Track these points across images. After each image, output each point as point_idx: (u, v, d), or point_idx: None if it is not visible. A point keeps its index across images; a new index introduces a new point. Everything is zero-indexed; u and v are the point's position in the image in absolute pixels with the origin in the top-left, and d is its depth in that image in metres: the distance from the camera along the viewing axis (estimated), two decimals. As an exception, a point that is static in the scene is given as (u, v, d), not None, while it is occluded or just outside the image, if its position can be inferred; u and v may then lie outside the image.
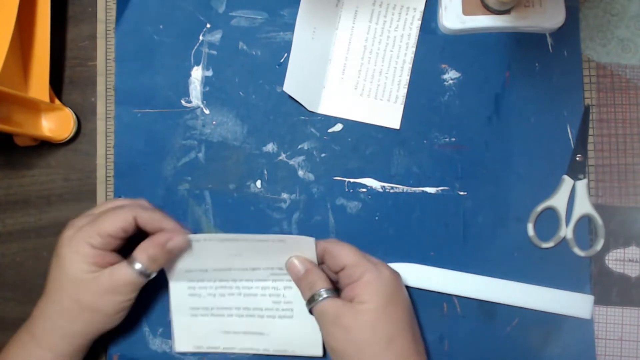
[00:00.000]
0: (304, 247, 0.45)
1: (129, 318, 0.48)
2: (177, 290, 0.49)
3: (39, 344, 0.44)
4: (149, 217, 0.44)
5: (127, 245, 0.45)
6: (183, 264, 0.47)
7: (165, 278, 0.49)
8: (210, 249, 0.46)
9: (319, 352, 0.48)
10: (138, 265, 0.44)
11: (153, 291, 0.50)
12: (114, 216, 0.44)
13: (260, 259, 0.47)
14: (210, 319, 0.49)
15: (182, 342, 0.49)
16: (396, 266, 0.48)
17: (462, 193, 0.50)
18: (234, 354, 0.49)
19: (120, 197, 0.51)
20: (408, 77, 0.50)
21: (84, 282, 0.43)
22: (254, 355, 0.49)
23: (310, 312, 0.44)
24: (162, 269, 0.47)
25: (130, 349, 0.50)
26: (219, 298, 0.48)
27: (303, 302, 0.45)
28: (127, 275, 0.43)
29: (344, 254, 0.44)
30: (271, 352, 0.48)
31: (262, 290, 0.48)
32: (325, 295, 0.43)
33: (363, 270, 0.43)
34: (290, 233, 0.50)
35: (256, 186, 0.51)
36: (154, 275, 0.45)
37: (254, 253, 0.46)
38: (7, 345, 0.45)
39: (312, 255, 0.45)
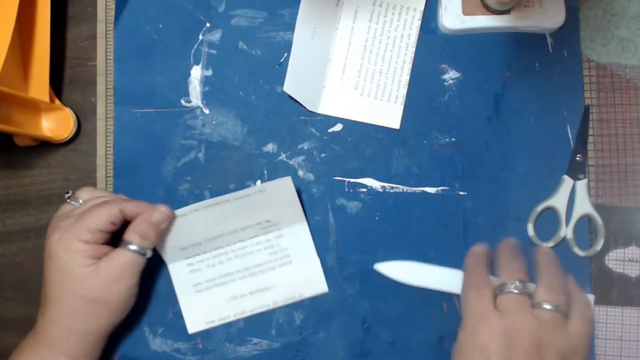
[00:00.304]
0: (283, 190, 0.47)
1: (129, 318, 0.48)
2: (177, 271, 0.49)
3: (54, 349, 0.44)
4: (134, 206, 0.45)
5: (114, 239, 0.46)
6: (176, 241, 0.48)
7: (166, 279, 0.49)
8: (198, 219, 0.47)
9: (324, 288, 0.49)
10: (132, 246, 0.44)
11: (154, 292, 0.50)
12: (99, 211, 0.44)
13: (247, 216, 0.48)
14: (215, 290, 0.49)
15: (193, 322, 0.50)
16: (392, 264, 0.48)
17: (462, 193, 0.50)
18: (245, 317, 0.50)
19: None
20: (408, 77, 0.50)
21: (86, 277, 0.43)
22: (267, 312, 0.50)
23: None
24: (159, 256, 0.48)
25: (131, 349, 0.50)
26: (219, 267, 0.49)
27: (297, 247, 0.47)
28: (125, 257, 0.44)
29: None
30: (281, 304, 0.49)
31: (256, 246, 0.49)
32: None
33: (465, 316, 0.43)
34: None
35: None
36: (149, 254, 0.46)
37: (240, 212, 0.48)
38: (17, 356, 0.45)
39: (293, 194, 0.47)
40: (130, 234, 0.45)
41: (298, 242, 0.49)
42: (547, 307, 0.41)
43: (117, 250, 0.44)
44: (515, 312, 0.41)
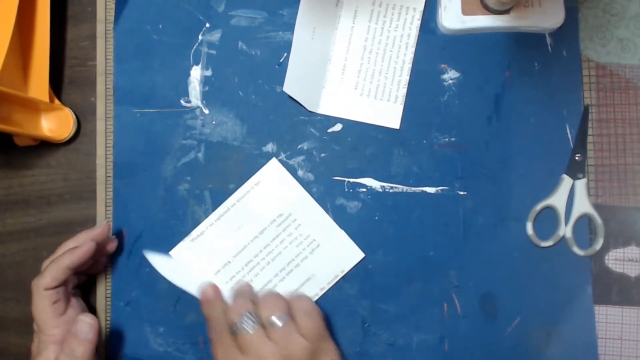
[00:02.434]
0: (274, 173, 0.50)
1: (131, 318, 0.48)
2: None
3: None
4: (78, 259, 0.45)
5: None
6: (208, 269, 0.50)
7: (166, 279, 0.50)
8: (216, 233, 0.50)
9: (361, 254, 0.50)
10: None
11: (154, 292, 0.50)
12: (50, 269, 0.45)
13: (258, 216, 0.50)
14: None
15: None
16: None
17: (462, 193, 0.50)
18: None
19: (118, 199, 0.51)
20: (408, 77, 0.51)
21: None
22: (319, 300, 0.50)
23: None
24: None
25: (132, 349, 0.50)
26: (256, 279, 0.50)
27: (318, 228, 0.49)
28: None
29: None
30: (327, 287, 0.50)
31: (281, 245, 0.50)
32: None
33: None
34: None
35: (256, 186, 0.51)
36: None
37: (249, 213, 0.50)
38: None
39: (285, 173, 0.50)
40: (63, 357, 0.44)
41: (316, 223, 0.50)
42: (276, 322, 0.43)
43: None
44: (255, 346, 0.42)
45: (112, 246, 0.50)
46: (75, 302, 0.47)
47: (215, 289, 0.47)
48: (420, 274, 0.50)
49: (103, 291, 0.51)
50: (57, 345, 0.44)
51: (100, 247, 0.47)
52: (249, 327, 0.43)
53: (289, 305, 0.45)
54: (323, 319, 0.45)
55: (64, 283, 0.46)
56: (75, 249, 0.46)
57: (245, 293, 0.47)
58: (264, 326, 0.43)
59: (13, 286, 0.52)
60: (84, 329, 0.44)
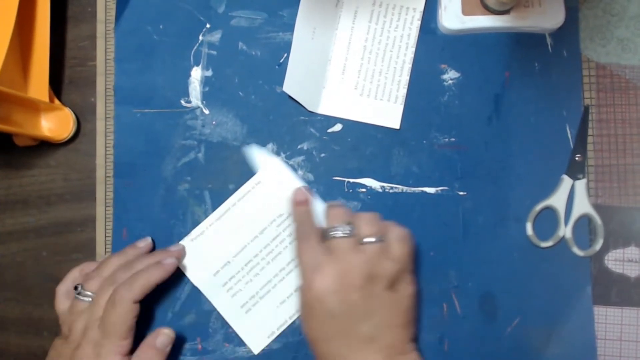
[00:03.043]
0: (276, 172, 0.50)
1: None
2: (220, 300, 0.50)
3: None
4: (165, 276, 0.47)
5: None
6: (207, 269, 0.50)
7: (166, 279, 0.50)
8: (216, 233, 0.50)
9: None
10: None
11: (154, 293, 0.50)
12: (122, 314, 0.44)
13: (259, 216, 0.50)
14: (262, 303, 0.50)
15: (254, 342, 0.50)
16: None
17: (462, 193, 0.50)
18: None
19: (118, 199, 0.51)
20: (408, 77, 0.51)
21: None
22: None
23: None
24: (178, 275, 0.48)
25: (131, 349, 0.50)
26: (256, 279, 0.50)
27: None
28: None
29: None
30: None
31: (281, 244, 0.50)
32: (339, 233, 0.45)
33: (301, 266, 0.45)
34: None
35: (256, 186, 0.51)
36: None
37: (250, 213, 0.50)
38: None
39: (287, 172, 0.50)
40: None
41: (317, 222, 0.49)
42: (370, 239, 0.44)
43: None
44: (344, 252, 0.44)
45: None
46: None
47: (308, 195, 0.48)
48: (420, 274, 0.49)
49: (103, 291, 0.51)
50: (123, 356, 0.44)
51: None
52: (344, 234, 0.44)
53: (384, 228, 0.46)
54: (413, 249, 0.46)
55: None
56: (163, 266, 0.46)
57: (341, 207, 0.48)
58: (357, 240, 0.44)
59: (13, 286, 0.52)
60: (165, 341, 0.46)
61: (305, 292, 0.44)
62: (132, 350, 0.45)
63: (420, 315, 0.49)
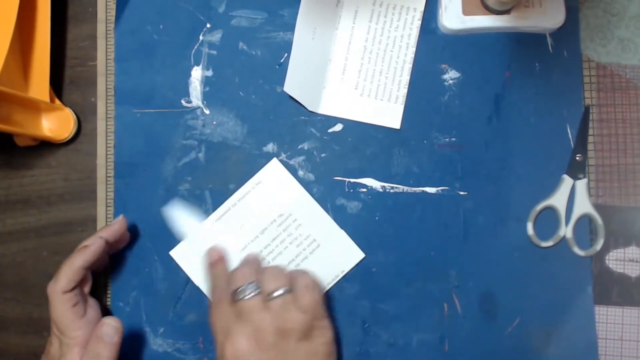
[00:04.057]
0: (275, 173, 0.50)
1: (131, 319, 0.48)
2: None
3: None
4: (91, 258, 0.45)
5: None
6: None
7: (166, 279, 0.50)
8: (215, 235, 0.50)
9: (361, 255, 0.50)
10: None
11: (154, 292, 0.50)
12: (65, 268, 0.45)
13: (258, 216, 0.50)
14: None
15: None
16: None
17: (462, 193, 0.50)
18: None
19: (119, 199, 0.51)
20: (408, 77, 0.51)
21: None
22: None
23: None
24: (160, 256, 0.48)
25: (132, 349, 0.50)
26: None
27: (319, 228, 0.50)
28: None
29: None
30: (328, 287, 0.50)
31: (281, 245, 0.50)
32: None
33: (215, 333, 0.44)
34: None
35: (256, 186, 0.51)
36: None
37: (249, 213, 0.50)
38: None
39: (286, 174, 0.50)
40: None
41: (317, 223, 0.50)
42: (275, 294, 0.43)
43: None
44: (252, 312, 0.43)
45: (124, 240, 0.49)
46: (93, 303, 0.47)
47: (221, 253, 0.48)
48: (420, 274, 0.49)
49: (102, 291, 0.51)
50: (81, 347, 0.44)
51: (111, 243, 0.47)
52: (249, 295, 0.43)
53: (291, 279, 0.44)
54: (322, 295, 0.45)
55: (80, 284, 0.45)
56: (85, 248, 0.45)
57: (251, 263, 0.47)
58: (264, 297, 0.43)
59: (13, 286, 0.52)
60: (109, 332, 0.44)
61: (219, 356, 0.43)
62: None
63: (421, 315, 0.49)
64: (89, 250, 0.45)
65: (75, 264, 0.45)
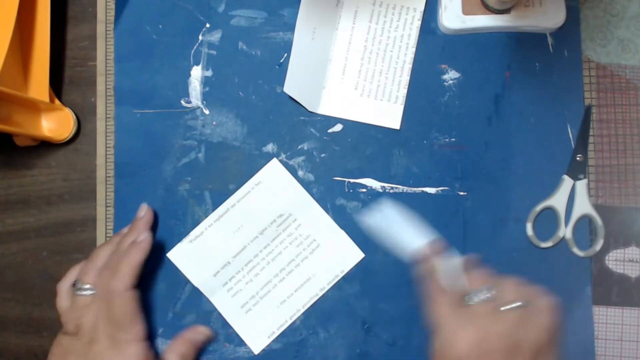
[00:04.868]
0: (275, 173, 0.50)
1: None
2: (221, 301, 0.50)
3: None
4: (147, 253, 0.46)
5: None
6: (207, 270, 0.50)
7: (166, 279, 0.50)
8: (215, 234, 0.50)
9: (360, 254, 0.50)
10: None
11: (154, 292, 0.50)
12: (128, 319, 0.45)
13: (259, 217, 0.50)
14: (262, 303, 0.50)
15: (255, 342, 0.50)
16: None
17: (462, 193, 0.50)
18: (302, 314, 0.50)
19: (119, 199, 0.51)
20: (408, 78, 0.50)
21: None
22: (318, 301, 0.50)
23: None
24: (160, 256, 0.49)
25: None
26: (256, 279, 0.50)
27: (319, 228, 0.50)
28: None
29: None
30: (327, 287, 0.50)
31: (281, 245, 0.50)
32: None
33: (437, 328, 0.42)
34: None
35: (256, 186, 0.51)
36: None
37: (249, 214, 0.50)
38: None
39: (286, 174, 0.50)
40: (170, 354, 0.47)
41: (317, 223, 0.50)
42: (514, 305, 0.41)
43: None
44: (486, 318, 0.41)
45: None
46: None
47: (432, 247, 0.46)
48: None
49: (103, 291, 0.51)
50: (143, 341, 0.45)
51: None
52: (485, 299, 0.41)
53: (530, 295, 0.42)
54: (558, 324, 0.42)
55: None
56: (139, 244, 0.46)
57: (483, 269, 0.45)
58: (496, 306, 0.41)
59: (13, 286, 0.52)
60: (200, 339, 0.49)
61: (444, 347, 0.41)
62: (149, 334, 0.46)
63: (421, 315, 0.49)
64: (144, 246, 0.46)
65: (135, 261, 0.45)
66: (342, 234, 0.50)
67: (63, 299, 0.47)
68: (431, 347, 0.42)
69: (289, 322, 0.50)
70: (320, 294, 0.50)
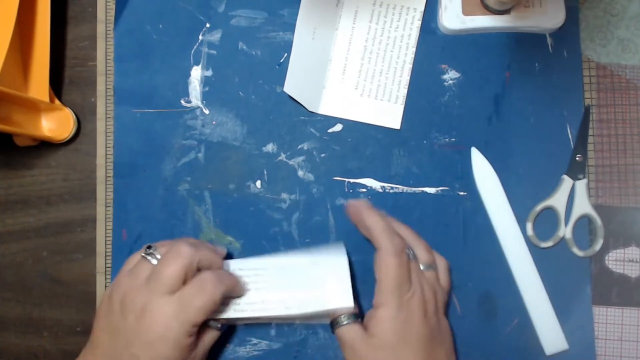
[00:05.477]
0: (337, 268, 0.45)
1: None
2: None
3: None
4: (227, 288, 0.44)
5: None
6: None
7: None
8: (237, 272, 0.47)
9: (350, 303, 0.45)
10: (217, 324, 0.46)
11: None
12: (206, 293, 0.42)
13: (295, 290, 0.45)
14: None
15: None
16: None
17: (462, 193, 0.50)
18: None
19: (118, 199, 0.51)
20: (408, 78, 0.51)
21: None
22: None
23: (332, 332, 0.45)
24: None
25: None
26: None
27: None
28: (215, 335, 0.46)
29: (383, 257, 0.43)
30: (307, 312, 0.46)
31: (300, 315, 0.46)
32: (344, 322, 0.44)
33: (382, 302, 0.42)
34: (290, 233, 0.50)
35: (256, 186, 0.51)
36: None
37: (286, 284, 0.45)
38: None
39: (345, 274, 0.45)
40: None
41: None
42: (430, 267, 0.46)
43: (209, 334, 0.45)
44: (417, 275, 0.44)
45: None
46: None
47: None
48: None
49: (102, 292, 0.51)
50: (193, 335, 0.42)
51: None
52: (411, 257, 0.45)
53: (436, 257, 0.47)
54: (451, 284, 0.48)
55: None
56: (230, 277, 0.45)
57: (400, 225, 0.48)
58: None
59: (13, 286, 0.52)
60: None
61: (403, 303, 0.42)
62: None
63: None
64: (235, 282, 0.45)
65: (230, 285, 0.44)
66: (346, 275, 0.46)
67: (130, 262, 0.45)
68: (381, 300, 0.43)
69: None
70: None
